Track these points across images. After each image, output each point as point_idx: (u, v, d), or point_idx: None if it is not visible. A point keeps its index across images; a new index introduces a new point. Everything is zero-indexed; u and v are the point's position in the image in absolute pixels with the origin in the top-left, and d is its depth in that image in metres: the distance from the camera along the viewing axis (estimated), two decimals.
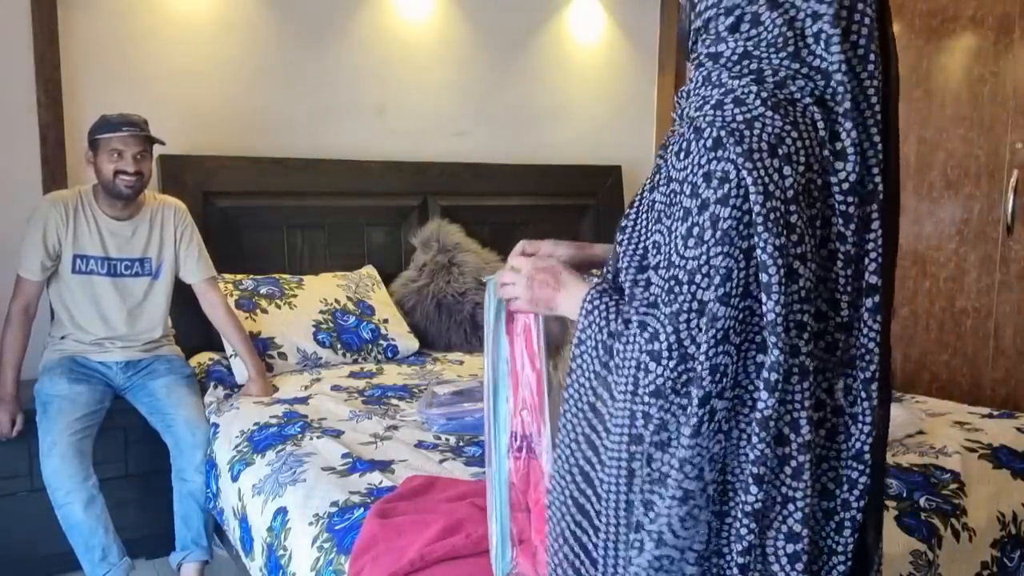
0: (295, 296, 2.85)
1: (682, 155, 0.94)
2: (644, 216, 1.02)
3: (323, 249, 3.19)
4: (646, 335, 0.93)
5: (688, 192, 0.91)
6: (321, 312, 2.84)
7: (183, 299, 2.61)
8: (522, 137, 3.70)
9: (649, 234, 1.00)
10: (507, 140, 3.67)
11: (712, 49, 0.98)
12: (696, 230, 0.90)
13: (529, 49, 3.69)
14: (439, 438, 2.08)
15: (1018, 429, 2.13)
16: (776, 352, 0.87)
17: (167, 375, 2.48)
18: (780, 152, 0.89)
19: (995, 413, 2.30)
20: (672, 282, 0.92)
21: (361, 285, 3.03)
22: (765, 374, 0.88)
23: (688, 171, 0.92)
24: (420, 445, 2.02)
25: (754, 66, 0.95)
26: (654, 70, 4.00)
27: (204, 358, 2.76)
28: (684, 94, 1.03)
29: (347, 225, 3.23)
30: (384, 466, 1.87)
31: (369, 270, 3.15)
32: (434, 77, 3.49)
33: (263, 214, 3.06)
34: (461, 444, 2.03)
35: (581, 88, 3.84)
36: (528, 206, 3.61)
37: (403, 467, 1.87)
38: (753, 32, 0.95)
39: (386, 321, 2.94)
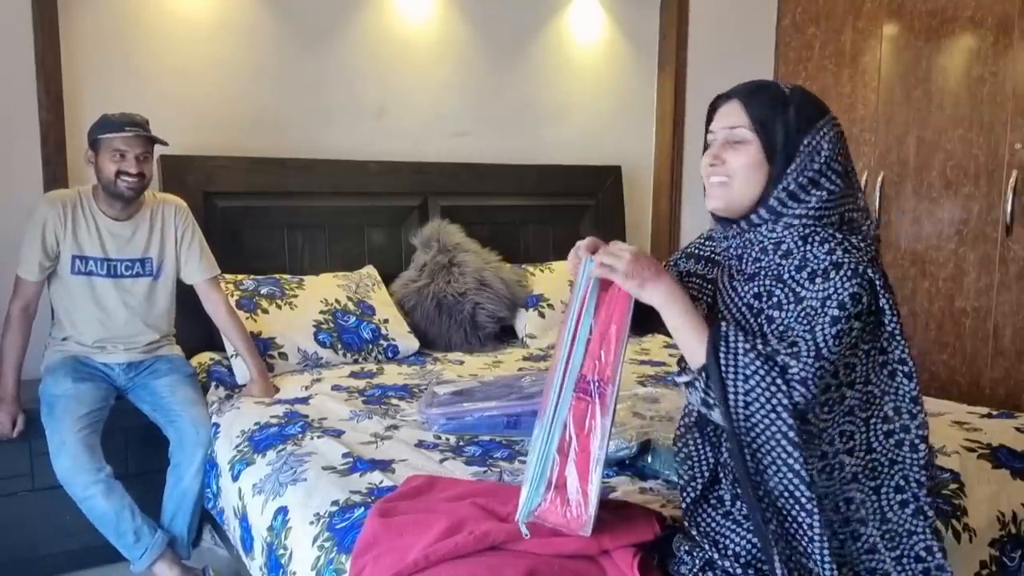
0: (296, 296, 2.86)
1: (818, 279, 1.25)
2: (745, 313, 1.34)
3: (323, 249, 3.19)
4: (844, 438, 1.28)
5: (835, 306, 1.22)
6: (322, 312, 2.84)
7: (183, 299, 2.61)
8: (522, 137, 3.70)
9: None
10: (507, 140, 3.67)
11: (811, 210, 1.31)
12: (845, 333, 1.21)
13: (529, 49, 3.69)
14: (439, 438, 2.08)
15: (1017, 429, 2.13)
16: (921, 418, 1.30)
17: (170, 374, 2.48)
18: (888, 283, 1.26)
19: (994, 413, 2.30)
20: (869, 396, 1.28)
21: (361, 285, 3.03)
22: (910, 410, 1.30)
23: (832, 291, 1.23)
24: (420, 445, 2.03)
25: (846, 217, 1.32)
26: (654, 70, 4.01)
27: (205, 358, 2.76)
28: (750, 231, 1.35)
29: (347, 225, 3.24)
30: (384, 465, 1.88)
31: (369, 270, 3.15)
32: (434, 77, 3.49)
33: (263, 214, 3.06)
34: (461, 444, 2.04)
35: (581, 88, 3.84)
36: (528, 206, 3.61)
37: (403, 467, 1.87)
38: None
39: (386, 321, 2.94)
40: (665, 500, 1.68)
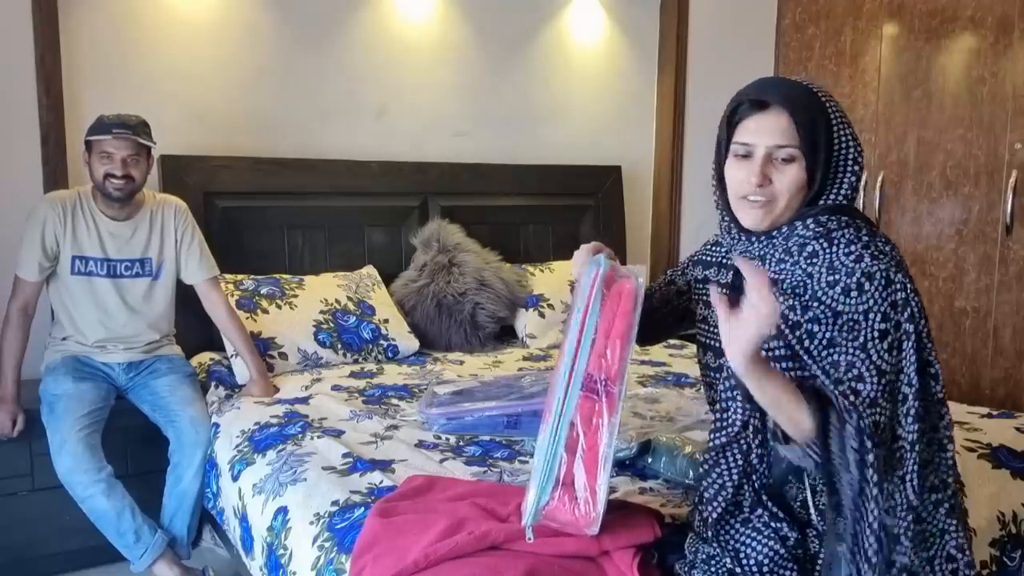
0: (296, 296, 2.86)
1: (853, 294, 1.23)
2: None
3: (323, 249, 3.19)
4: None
5: (879, 319, 1.22)
6: (322, 312, 2.84)
7: (184, 299, 2.61)
8: (522, 137, 3.70)
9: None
10: (507, 140, 3.67)
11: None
12: (895, 342, 1.22)
13: (529, 49, 3.69)
14: (439, 438, 2.08)
15: (1017, 429, 2.13)
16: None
17: (169, 374, 2.48)
18: (914, 285, 1.26)
19: (994, 413, 2.30)
20: (889, 387, 1.21)
21: (361, 285, 3.03)
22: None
23: (872, 303, 1.22)
24: (420, 445, 2.03)
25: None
26: (654, 70, 4.01)
27: (205, 358, 2.76)
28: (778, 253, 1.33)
29: (347, 225, 3.24)
30: (384, 465, 1.88)
31: (369, 270, 3.15)
32: (434, 77, 3.49)
33: (264, 214, 3.06)
34: (461, 444, 2.04)
35: (581, 88, 3.84)
36: (528, 206, 3.61)
37: (403, 467, 1.87)
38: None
39: (386, 321, 2.94)
40: (665, 500, 1.68)
